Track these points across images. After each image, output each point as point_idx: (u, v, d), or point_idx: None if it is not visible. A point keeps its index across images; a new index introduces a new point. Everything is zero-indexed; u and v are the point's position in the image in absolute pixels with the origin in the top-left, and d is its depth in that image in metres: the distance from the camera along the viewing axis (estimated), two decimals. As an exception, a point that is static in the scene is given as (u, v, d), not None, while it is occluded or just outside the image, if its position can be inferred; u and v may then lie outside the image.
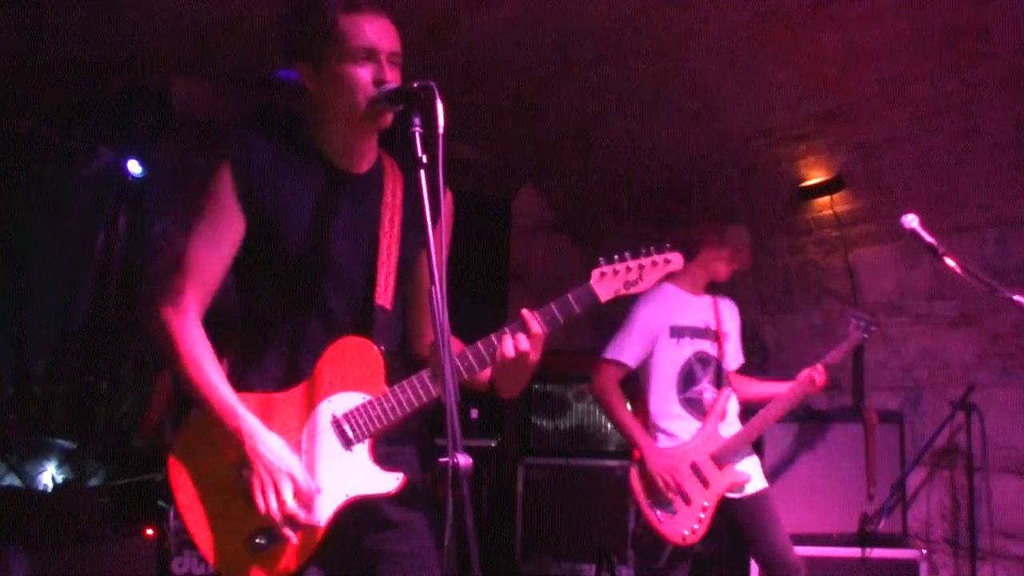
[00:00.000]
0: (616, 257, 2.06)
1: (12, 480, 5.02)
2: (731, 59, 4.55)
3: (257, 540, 1.89)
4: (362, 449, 1.97)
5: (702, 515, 3.53)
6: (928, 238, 2.78)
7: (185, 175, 5.65)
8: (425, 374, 1.99)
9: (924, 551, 4.29)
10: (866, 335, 3.83)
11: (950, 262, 2.73)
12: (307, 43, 2.01)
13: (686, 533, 3.51)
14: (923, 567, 4.23)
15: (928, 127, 4.27)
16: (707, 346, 3.75)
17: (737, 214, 5.48)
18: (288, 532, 1.87)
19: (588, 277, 2.05)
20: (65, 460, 5.30)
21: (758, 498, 3.66)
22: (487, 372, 2.03)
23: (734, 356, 3.90)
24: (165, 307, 1.95)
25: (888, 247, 4.85)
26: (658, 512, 3.53)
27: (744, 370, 3.99)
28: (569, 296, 2.03)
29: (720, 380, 3.76)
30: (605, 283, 2.04)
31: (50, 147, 5.47)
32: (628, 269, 2.06)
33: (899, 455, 4.51)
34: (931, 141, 4.31)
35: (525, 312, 1.98)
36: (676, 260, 2.12)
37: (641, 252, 2.09)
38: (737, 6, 4.15)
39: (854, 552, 4.26)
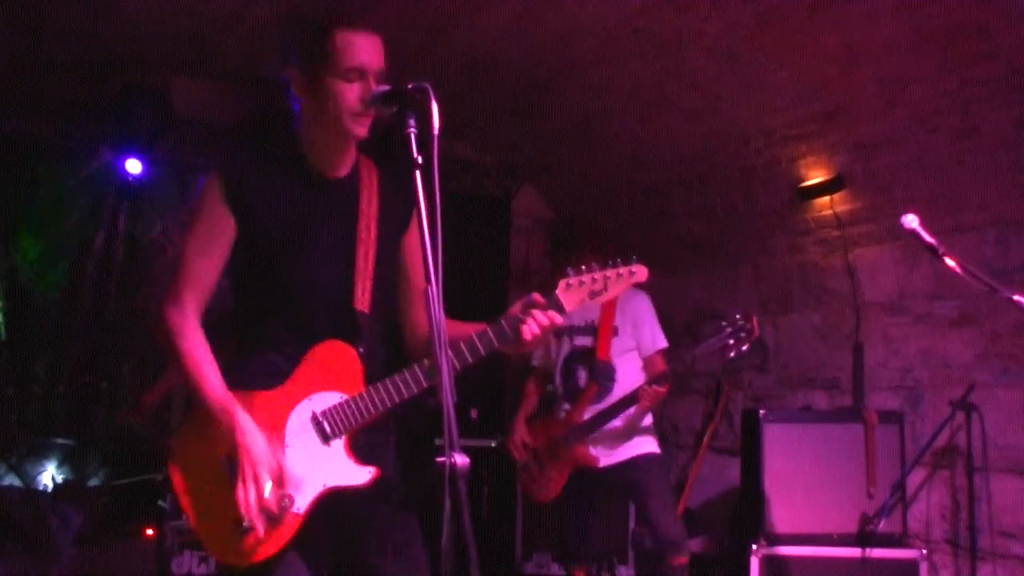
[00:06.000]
0: (584, 268, 2.20)
1: (12, 480, 5.01)
2: (731, 59, 4.54)
3: (244, 524, 2.03)
4: (339, 444, 2.13)
5: None
6: (928, 238, 2.77)
7: (185, 175, 5.65)
8: (418, 368, 2.10)
9: (924, 551, 4.28)
10: None
11: (950, 262, 2.73)
12: (303, 53, 2.11)
13: None
14: (923, 567, 4.23)
15: (928, 127, 4.27)
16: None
17: (737, 214, 5.48)
18: (259, 524, 2.00)
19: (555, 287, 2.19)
20: (65, 460, 5.30)
21: None
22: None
23: None
24: (167, 309, 2.12)
25: (888, 247, 4.84)
26: None
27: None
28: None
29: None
30: (571, 294, 2.21)
31: (50, 147, 5.47)
32: (593, 280, 2.21)
33: (899, 455, 4.49)
34: (931, 141, 4.31)
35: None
36: (640, 272, 2.25)
37: (608, 264, 2.23)
38: (737, 6, 4.15)
39: (854, 552, 4.26)
